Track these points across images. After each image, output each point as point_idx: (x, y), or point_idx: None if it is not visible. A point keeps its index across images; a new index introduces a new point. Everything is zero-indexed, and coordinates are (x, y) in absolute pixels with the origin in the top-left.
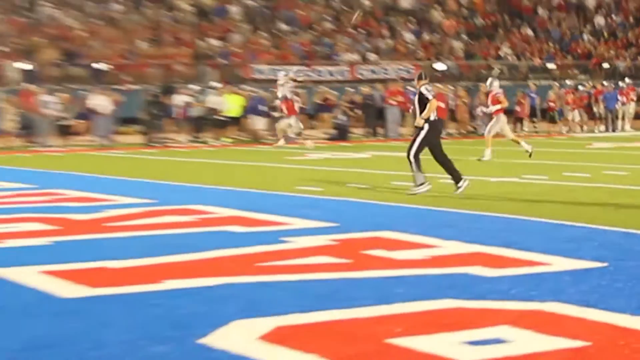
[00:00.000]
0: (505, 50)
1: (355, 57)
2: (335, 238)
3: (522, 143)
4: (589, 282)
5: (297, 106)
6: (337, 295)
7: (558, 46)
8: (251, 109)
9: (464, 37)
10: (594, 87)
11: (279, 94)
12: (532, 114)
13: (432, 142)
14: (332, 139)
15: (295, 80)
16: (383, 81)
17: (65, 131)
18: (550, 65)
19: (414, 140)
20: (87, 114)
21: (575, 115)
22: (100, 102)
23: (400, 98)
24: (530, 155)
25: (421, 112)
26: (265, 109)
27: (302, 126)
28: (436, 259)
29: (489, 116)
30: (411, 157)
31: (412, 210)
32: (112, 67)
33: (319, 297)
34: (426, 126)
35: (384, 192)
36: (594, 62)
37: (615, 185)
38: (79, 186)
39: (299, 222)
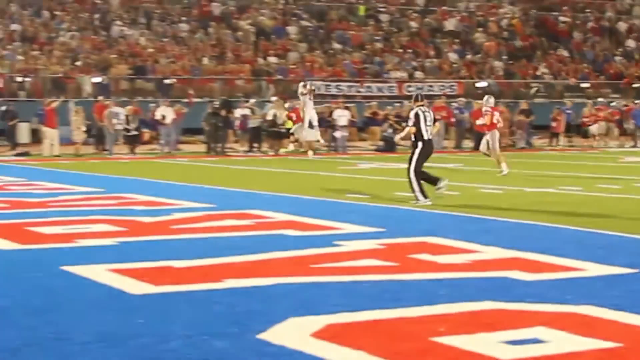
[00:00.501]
0: (542, 70)
1: (403, 74)
2: (382, 242)
3: (503, 165)
4: (621, 287)
5: (302, 114)
6: (385, 296)
7: (592, 67)
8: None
9: (504, 57)
10: (625, 105)
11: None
12: (567, 130)
13: (422, 158)
14: (380, 150)
15: (313, 92)
16: (428, 97)
17: (132, 140)
18: (584, 85)
19: (410, 158)
20: (154, 124)
21: (606, 129)
22: (166, 113)
23: (444, 113)
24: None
25: (418, 130)
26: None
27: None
28: (477, 263)
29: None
30: (411, 173)
31: (454, 217)
32: (177, 81)
33: (367, 297)
34: (420, 144)
35: None
36: (625, 81)
37: None
38: (144, 191)
39: (349, 227)
